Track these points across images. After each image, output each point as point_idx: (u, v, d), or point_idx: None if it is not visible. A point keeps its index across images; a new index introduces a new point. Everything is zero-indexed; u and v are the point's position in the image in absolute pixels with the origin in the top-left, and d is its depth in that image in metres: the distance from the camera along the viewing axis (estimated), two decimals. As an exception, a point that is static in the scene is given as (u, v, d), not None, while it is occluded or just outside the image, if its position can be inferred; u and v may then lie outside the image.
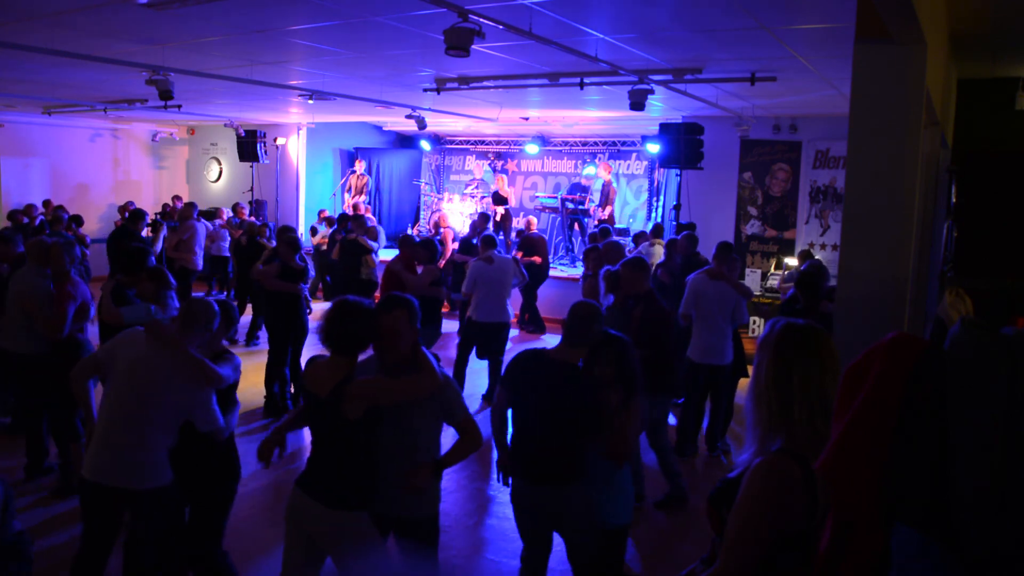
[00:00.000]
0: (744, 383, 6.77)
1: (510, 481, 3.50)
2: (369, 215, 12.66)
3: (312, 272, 8.82)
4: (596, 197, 13.35)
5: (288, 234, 7.42)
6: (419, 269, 7.32)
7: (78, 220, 11.45)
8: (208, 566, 3.63)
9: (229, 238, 11.77)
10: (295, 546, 3.08)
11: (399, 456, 3.07)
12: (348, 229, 10.22)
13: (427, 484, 3.08)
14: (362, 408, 2.90)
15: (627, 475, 3.56)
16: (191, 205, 11.71)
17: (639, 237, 10.49)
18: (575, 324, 3.39)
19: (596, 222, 12.54)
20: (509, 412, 3.57)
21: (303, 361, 7.32)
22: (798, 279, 5.81)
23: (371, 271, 9.70)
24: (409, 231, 14.36)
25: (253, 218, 12.58)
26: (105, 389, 3.46)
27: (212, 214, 12.64)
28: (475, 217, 11.52)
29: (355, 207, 13.53)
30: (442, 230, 12.04)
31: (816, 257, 9.32)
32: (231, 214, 12.86)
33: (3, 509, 2.81)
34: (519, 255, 10.54)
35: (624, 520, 3.54)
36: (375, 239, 10.13)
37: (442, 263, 10.75)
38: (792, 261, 10.87)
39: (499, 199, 13.36)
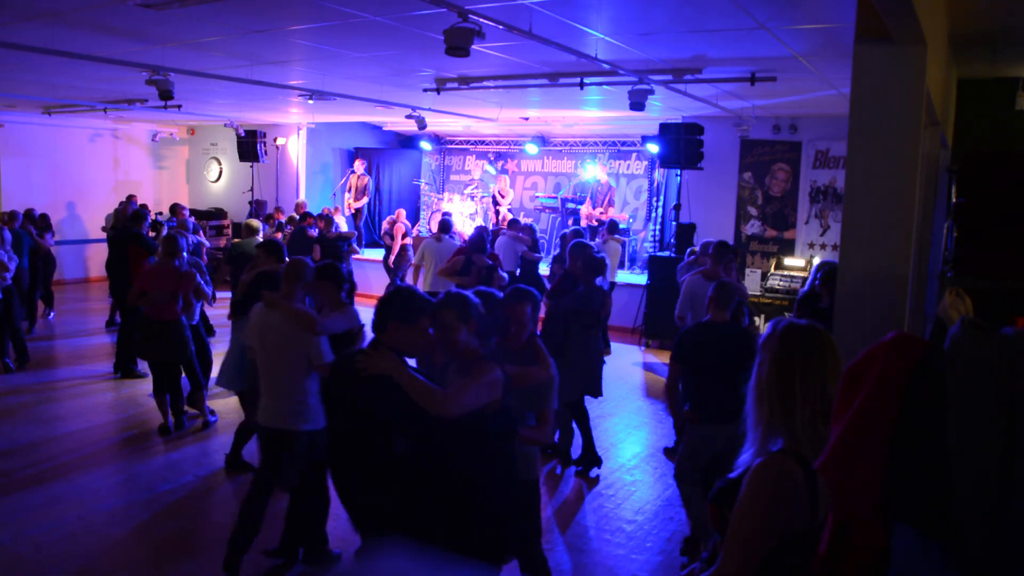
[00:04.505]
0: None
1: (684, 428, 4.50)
2: (337, 215, 12.70)
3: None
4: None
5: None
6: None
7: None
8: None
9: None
10: None
11: None
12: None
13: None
14: None
15: None
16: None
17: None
18: (720, 294, 4.53)
19: (594, 221, 12.53)
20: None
21: None
22: (823, 277, 5.46)
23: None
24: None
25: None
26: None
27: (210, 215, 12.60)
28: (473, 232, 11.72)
29: (357, 211, 13.74)
30: (396, 224, 12.37)
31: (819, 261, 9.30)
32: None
33: None
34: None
35: None
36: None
37: (392, 257, 12.01)
38: (796, 262, 10.88)
39: (495, 201, 13.46)
